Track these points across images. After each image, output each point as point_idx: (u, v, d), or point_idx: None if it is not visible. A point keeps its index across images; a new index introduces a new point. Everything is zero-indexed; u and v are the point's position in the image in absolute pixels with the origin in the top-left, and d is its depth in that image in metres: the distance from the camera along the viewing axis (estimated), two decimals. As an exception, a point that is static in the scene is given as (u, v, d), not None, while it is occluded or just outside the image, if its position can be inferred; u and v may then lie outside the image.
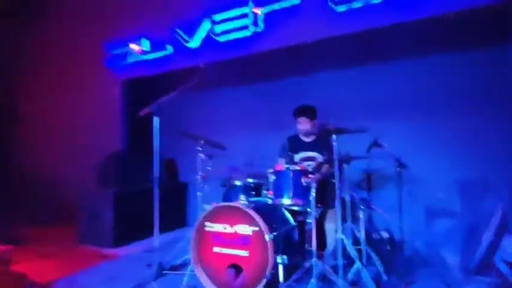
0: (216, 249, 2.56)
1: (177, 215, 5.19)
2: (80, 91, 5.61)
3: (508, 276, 2.47)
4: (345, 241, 2.54)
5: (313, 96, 3.68)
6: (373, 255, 2.67)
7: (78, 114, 5.62)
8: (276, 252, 2.32)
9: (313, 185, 2.50)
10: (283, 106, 4.01)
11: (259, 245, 2.39)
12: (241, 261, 2.45)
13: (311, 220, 2.71)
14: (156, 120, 3.03)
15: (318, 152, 3.47)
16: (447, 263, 2.73)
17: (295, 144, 3.56)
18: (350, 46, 3.84)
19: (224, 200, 3.14)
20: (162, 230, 3.13)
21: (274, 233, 2.39)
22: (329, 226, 3.19)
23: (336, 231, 3.21)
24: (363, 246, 2.61)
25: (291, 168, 2.55)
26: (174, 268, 3.14)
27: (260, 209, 2.54)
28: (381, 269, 2.60)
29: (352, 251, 2.52)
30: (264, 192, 3.09)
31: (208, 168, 3.42)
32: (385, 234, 3.34)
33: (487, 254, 2.43)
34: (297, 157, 3.51)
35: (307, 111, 3.41)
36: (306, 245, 2.67)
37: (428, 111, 3.45)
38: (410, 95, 3.57)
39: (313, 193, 2.41)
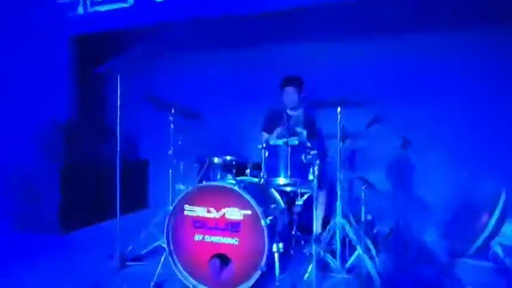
0: (197, 236, 2.13)
1: (137, 195, 4.60)
2: (19, 46, 4.59)
3: (504, 260, 2.39)
4: (346, 226, 2.27)
5: (301, 69, 3.28)
6: (368, 242, 2.44)
7: (16, 74, 4.62)
8: (272, 239, 1.96)
9: (316, 162, 2.16)
10: (267, 77, 3.60)
11: (252, 231, 2.01)
12: (228, 250, 2.06)
13: (301, 202, 2.41)
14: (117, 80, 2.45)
15: (304, 128, 3.15)
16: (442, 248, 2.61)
17: (279, 118, 3.20)
18: (350, 13, 3.46)
19: (201, 180, 2.70)
20: (120, 212, 2.63)
21: (270, 218, 2.02)
22: (319, 207, 2.92)
23: (325, 215, 2.99)
24: (361, 231, 2.35)
25: (289, 142, 2.17)
26: (139, 259, 2.65)
27: (249, 190, 2.15)
28: (376, 256, 2.38)
29: (353, 236, 2.25)
30: (247, 171, 2.71)
31: (180, 143, 2.91)
32: (369, 217, 3.16)
33: (488, 238, 2.30)
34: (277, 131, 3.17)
35: (294, 81, 3.08)
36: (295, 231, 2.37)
37: (434, 92, 3.23)
38: (418, 74, 3.32)
39: (316, 171, 2.07)
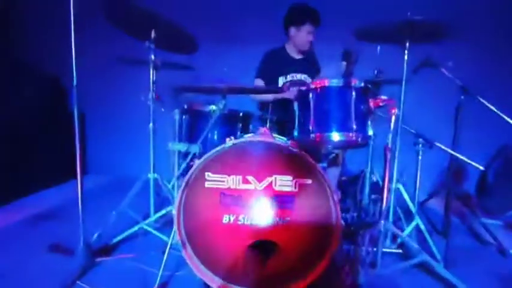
0: (227, 217, 1.44)
1: (70, 159, 3.48)
2: None
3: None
4: (404, 193, 1.83)
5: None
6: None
7: None
8: (342, 218, 1.40)
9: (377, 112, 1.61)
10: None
11: (311, 208, 1.41)
12: (275, 235, 1.43)
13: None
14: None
15: (307, 74, 2.57)
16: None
17: (281, 62, 2.53)
18: None
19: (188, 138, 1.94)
20: (49, 182, 1.80)
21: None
22: (333, 170, 2.44)
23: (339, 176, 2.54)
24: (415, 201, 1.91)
25: (353, 84, 1.54)
26: (107, 251, 1.82)
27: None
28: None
29: (411, 205, 1.83)
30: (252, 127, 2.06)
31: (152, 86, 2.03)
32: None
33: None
34: (281, 80, 2.52)
35: (319, 17, 2.37)
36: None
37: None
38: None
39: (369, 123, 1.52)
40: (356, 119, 1.55)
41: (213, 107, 1.92)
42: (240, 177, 1.41)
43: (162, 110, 1.94)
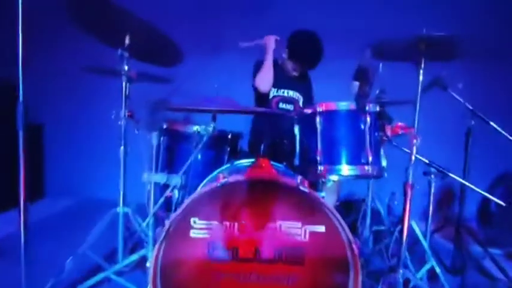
0: (218, 276, 1.13)
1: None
2: None
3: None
4: (417, 231, 1.60)
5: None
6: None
7: None
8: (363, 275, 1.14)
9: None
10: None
11: (325, 262, 1.14)
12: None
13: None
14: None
15: (300, 93, 2.33)
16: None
17: (275, 75, 2.28)
18: None
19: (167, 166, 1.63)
20: None
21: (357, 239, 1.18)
22: (331, 198, 2.19)
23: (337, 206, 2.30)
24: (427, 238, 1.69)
25: (368, 108, 1.31)
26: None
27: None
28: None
29: (425, 244, 1.61)
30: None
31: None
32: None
33: None
34: (272, 92, 2.27)
35: (312, 64, 2.10)
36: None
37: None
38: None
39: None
40: (371, 149, 1.31)
41: (198, 128, 1.64)
42: (236, 224, 1.12)
43: (136, 132, 1.61)
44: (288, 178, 1.15)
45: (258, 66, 2.26)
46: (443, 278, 1.60)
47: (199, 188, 1.15)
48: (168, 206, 1.67)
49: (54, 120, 3.20)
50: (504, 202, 2.11)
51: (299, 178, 1.17)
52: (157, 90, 1.71)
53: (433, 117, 2.74)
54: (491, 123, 1.75)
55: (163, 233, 1.06)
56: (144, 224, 1.63)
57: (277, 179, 1.13)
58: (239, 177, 1.11)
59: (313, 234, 1.13)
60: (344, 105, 1.34)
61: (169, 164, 1.67)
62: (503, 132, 1.73)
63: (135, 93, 1.69)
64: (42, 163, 3.20)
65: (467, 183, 1.67)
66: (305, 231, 1.13)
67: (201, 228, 1.12)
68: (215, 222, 1.11)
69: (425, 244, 1.61)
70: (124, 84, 1.62)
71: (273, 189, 1.14)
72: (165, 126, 1.72)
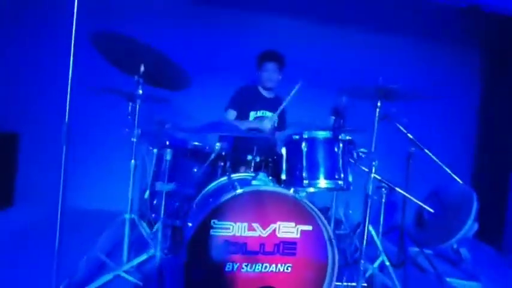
0: (230, 266, 1.44)
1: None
2: None
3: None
4: (374, 233, 2.05)
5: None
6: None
7: None
8: (341, 264, 1.53)
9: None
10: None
11: (311, 253, 1.51)
12: (277, 282, 1.48)
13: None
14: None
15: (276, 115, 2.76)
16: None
17: (251, 98, 2.68)
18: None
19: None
20: None
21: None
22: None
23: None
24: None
25: (341, 137, 1.73)
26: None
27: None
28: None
29: (378, 243, 2.06)
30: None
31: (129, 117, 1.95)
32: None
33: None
34: (252, 115, 2.67)
35: (277, 57, 2.62)
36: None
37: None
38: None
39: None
40: (343, 168, 1.74)
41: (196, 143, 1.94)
42: (246, 224, 1.45)
43: (150, 148, 1.86)
44: (285, 189, 1.51)
45: (238, 95, 2.65)
46: (391, 270, 2.06)
47: (205, 194, 1.44)
48: (173, 213, 1.92)
49: (31, 129, 3.21)
50: (434, 212, 2.70)
51: (292, 189, 1.54)
52: (157, 109, 1.99)
53: (382, 144, 3.37)
54: (426, 150, 2.32)
55: (193, 231, 1.35)
56: (154, 229, 1.86)
57: (279, 190, 1.49)
58: (252, 188, 1.45)
59: (303, 232, 1.50)
60: (323, 133, 1.75)
61: (173, 176, 1.93)
62: (433, 157, 2.31)
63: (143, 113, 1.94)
64: (14, 171, 3.17)
65: (408, 196, 2.19)
66: (297, 229, 1.50)
67: (219, 228, 1.42)
68: (231, 223, 1.43)
69: (378, 242, 2.06)
70: (137, 106, 1.86)
71: (276, 197, 1.49)
72: (167, 143, 1.98)
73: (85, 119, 3.13)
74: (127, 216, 1.84)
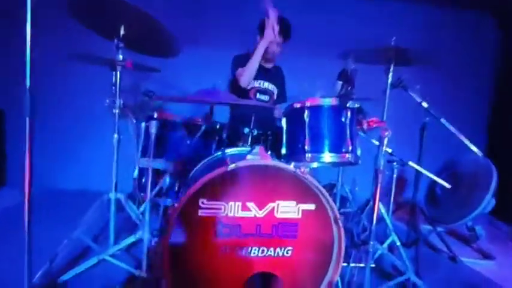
0: (224, 250, 1.27)
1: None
2: None
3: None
4: (383, 211, 1.87)
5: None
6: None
7: None
8: (347, 247, 1.35)
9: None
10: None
11: (315, 236, 1.34)
12: (276, 268, 1.32)
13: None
14: None
15: (275, 85, 2.53)
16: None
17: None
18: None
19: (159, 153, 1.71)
20: None
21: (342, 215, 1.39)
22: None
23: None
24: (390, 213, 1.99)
25: (349, 105, 1.51)
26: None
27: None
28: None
29: (388, 221, 1.88)
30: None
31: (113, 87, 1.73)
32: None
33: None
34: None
35: (284, 29, 2.31)
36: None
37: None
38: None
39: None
40: (351, 140, 1.53)
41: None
42: (240, 203, 1.27)
43: (134, 121, 1.66)
44: (285, 164, 1.32)
45: (238, 62, 2.39)
46: (402, 250, 1.90)
47: (197, 171, 1.26)
48: (159, 191, 1.76)
49: (14, 105, 3.02)
50: (449, 186, 2.48)
51: (293, 164, 1.35)
52: (151, 79, 1.78)
53: (394, 113, 3.13)
54: (442, 120, 2.09)
55: (175, 213, 1.18)
56: (141, 209, 1.70)
57: (278, 165, 1.30)
58: (246, 163, 1.26)
59: (305, 211, 1.32)
60: (328, 101, 1.53)
61: (161, 151, 1.75)
62: (451, 127, 2.08)
63: (125, 82, 1.73)
64: (3, 151, 3.02)
65: (421, 169, 1.99)
66: (299, 209, 1.32)
67: (208, 208, 1.25)
68: (222, 203, 1.25)
69: (388, 221, 1.89)
70: (118, 74, 1.65)
71: (273, 173, 1.31)
72: (155, 115, 1.79)
73: (63, 90, 2.97)
74: (112, 195, 1.68)
